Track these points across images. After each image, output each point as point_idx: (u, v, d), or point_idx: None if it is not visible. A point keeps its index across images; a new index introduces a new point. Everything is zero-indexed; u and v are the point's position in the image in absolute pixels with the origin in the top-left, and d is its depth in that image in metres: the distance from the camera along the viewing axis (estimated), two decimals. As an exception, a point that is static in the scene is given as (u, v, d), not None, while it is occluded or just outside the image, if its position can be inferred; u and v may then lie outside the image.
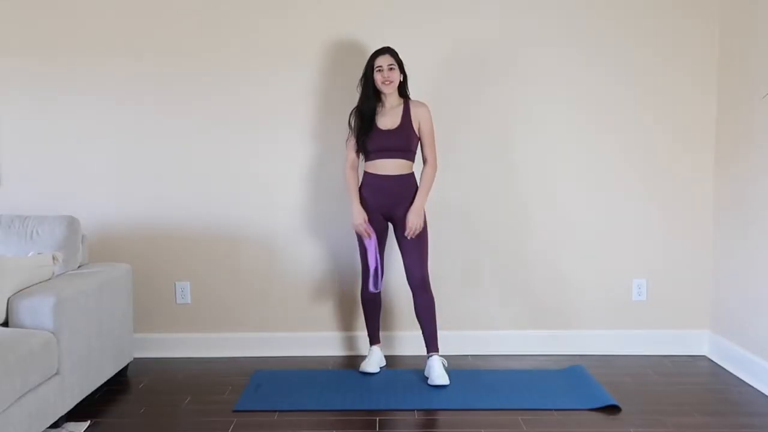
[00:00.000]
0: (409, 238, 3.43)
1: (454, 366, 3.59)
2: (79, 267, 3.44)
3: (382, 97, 3.48)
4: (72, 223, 3.42)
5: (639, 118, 3.82)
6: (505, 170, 3.86)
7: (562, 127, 3.83)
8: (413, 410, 3.13)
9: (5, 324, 2.86)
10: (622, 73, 3.80)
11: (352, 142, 3.52)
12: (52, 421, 2.80)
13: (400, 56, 3.46)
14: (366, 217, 3.47)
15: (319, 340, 3.94)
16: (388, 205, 3.47)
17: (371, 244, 3.47)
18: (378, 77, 3.43)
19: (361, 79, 3.50)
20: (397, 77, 3.44)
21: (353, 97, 3.55)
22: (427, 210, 3.54)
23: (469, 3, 3.78)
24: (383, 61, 3.42)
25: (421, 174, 3.52)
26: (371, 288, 3.50)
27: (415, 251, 3.46)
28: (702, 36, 3.78)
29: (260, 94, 3.83)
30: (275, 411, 3.12)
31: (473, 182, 3.86)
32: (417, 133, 3.47)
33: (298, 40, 3.80)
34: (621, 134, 3.83)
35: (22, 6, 3.78)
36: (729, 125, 3.68)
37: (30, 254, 3.18)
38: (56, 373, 2.85)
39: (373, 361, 3.61)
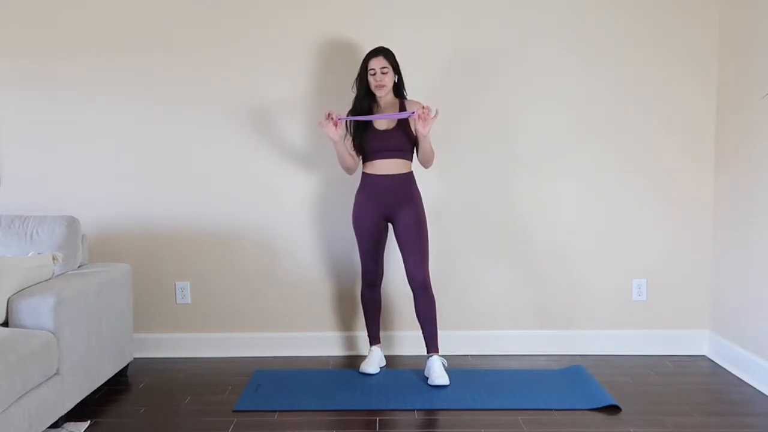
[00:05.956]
0: (422, 112, 3.27)
1: (454, 366, 3.59)
2: (79, 267, 3.44)
3: (377, 97, 3.47)
4: (72, 223, 3.42)
5: (639, 118, 3.82)
6: (504, 171, 3.86)
7: (562, 127, 3.83)
8: (413, 410, 3.13)
9: (5, 324, 2.86)
10: (623, 73, 3.79)
11: (349, 142, 3.49)
12: (52, 421, 2.80)
13: (397, 57, 3.43)
14: (329, 114, 3.35)
15: (319, 340, 3.94)
16: (387, 204, 3.46)
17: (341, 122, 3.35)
18: (371, 81, 3.41)
19: (355, 80, 3.49)
20: (389, 81, 3.40)
21: (352, 96, 3.54)
22: (428, 210, 3.54)
23: (470, 4, 3.79)
24: (376, 63, 3.39)
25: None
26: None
27: (416, 252, 3.45)
28: (702, 36, 3.78)
29: (260, 94, 3.82)
30: (275, 411, 3.12)
31: (473, 183, 3.86)
32: (413, 132, 3.46)
33: (298, 39, 3.80)
34: (621, 134, 3.83)
35: (21, 6, 3.78)
36: (729, 125, 3.68)
37: (30, 254, 3.18)
38: (56, 373, 2.85)
39: (373, 361, 3.61)
